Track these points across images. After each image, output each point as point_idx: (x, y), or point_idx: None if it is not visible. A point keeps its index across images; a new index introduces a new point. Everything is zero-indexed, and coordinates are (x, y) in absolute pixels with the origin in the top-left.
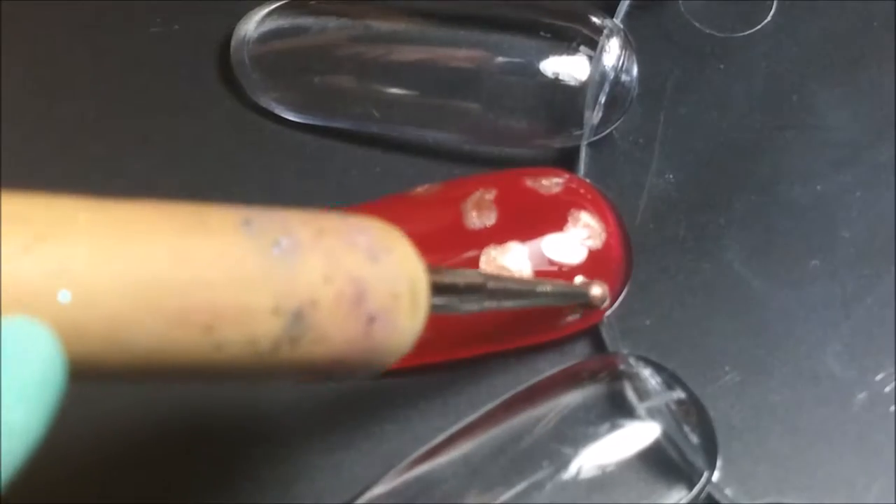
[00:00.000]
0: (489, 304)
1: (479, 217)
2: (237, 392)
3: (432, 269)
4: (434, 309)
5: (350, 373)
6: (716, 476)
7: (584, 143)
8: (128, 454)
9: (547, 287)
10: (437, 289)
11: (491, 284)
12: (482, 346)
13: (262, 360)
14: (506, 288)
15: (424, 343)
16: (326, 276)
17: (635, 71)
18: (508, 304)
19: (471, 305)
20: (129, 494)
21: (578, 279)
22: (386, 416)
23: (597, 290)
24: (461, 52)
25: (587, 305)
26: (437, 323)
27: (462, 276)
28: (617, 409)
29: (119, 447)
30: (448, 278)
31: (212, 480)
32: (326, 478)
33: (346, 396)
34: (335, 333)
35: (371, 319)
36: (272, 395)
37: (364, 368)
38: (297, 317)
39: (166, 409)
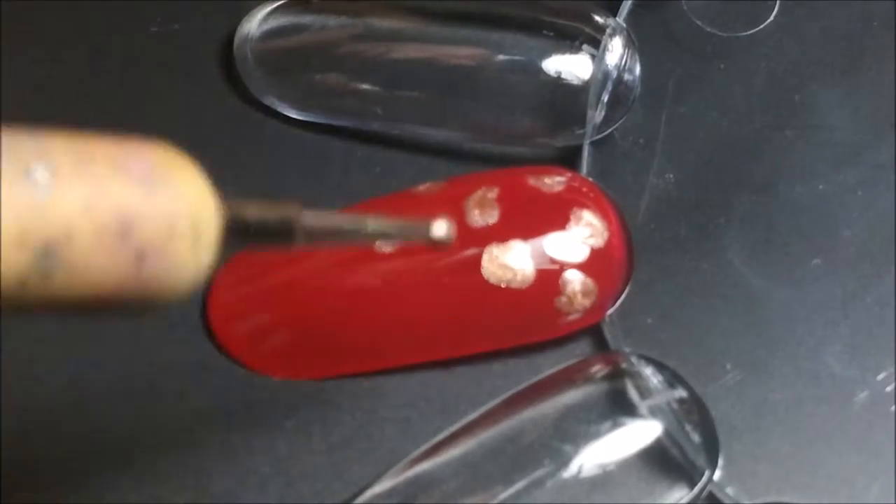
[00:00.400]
0: (309, 239)
1: (482, 215)
2: (236, 392)
3: (233, 202)
4: (234, 246)
5: (123, 310)
6: (717, 475)
7: (586, 142)
8: (124, 452)
9: (379, 224)
10: (237, 225)
11: (308, 220)
12: (483, 344)
13: (9, 296)
14: (328, 225)
15: (425, 341)
16: (87, 207)
17: (638, 70)
18: (335, 239)
19: (284, 242)
20: (130, 494)
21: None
22: (386, 416)
23: (441, 228)
24: (463, 50)
25: (431, 244)
26: (438, 322)
27: (270, 211)
28: (618, 408)
29: (113, 445)
30: (252, 213)
31: (211, 480)
32: (326, 478)
33: (345, 396)
34: (95, 270)
35: (141, 256)
36: (271, 395)
37: (138, 307)
38: (47, 251)
39: (165, 408)
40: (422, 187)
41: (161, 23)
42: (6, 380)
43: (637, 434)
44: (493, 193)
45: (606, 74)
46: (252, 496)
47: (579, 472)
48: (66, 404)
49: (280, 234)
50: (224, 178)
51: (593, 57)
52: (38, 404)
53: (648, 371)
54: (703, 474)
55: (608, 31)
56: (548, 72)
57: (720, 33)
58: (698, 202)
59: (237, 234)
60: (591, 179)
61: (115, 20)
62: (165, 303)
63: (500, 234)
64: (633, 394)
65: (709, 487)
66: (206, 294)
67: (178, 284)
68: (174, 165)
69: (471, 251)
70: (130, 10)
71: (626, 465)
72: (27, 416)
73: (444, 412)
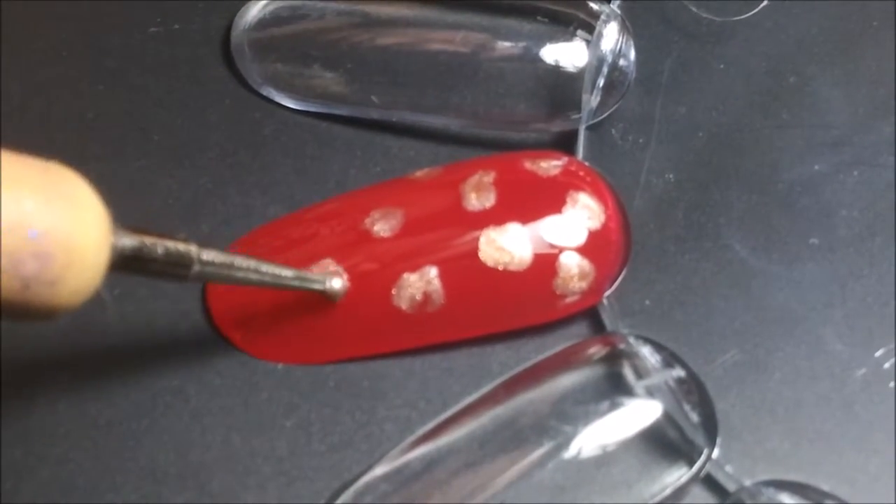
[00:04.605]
0: (201, 273)
1: (479, 199)
2: (237, 391)
3: (130, 232)
4: (122, 271)
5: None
6: (716, 454)
7: (582, 127)
8: (124, 452)
9: (274, 269)
10: (132, 254)
11: (205, 256)
12: (481, 327)
13: None
14: (223, 262)
15: (423, 325)
16: None
17: (633, 55)
18: (226, 277)
19: (179, 275)
20: (130, 494)
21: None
22: (386, 415)
23: (336, 282)
24: (459, 37)
25: (324, 295)
26: (436, 305)
27: (169, 244)
28: (617, 388)
29: (113, 445)
30: (149, 245)
31: (211, 480)
32: (326, 478)
33: (345, 396)
34: None
35: (24, 283)
36: (271, 395)
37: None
38: None
39: (165, 407)
40: (419, 173)
41: (161, 23)
42: (6, 380)
43: (636, 414)
44: (489, 177)
45: (601, 60)
46: (252, 496)
47: (579, 452)
48: (66, 404)
49: (177, 267)
50: (224, 178)
51: (588, 43)
52: (38, 404)
53: (646, 351)
54: (701, 453)
55: (602, 17)
56: (543, 58)
57: (715, 18)
58: (696, 183)
59: (132, 264)
60: (587, 163)
61: (115, 20)
62: (52, 318)
63: (496, 217)
64: (631, 374)
65: (707, 466)
66: (205, 286)
67: (59, 306)
68: (59, 192)
69: (468, 235)
70: (130, 10)
71: (625, 445)
72: (27, 416)
73: (444, 411)
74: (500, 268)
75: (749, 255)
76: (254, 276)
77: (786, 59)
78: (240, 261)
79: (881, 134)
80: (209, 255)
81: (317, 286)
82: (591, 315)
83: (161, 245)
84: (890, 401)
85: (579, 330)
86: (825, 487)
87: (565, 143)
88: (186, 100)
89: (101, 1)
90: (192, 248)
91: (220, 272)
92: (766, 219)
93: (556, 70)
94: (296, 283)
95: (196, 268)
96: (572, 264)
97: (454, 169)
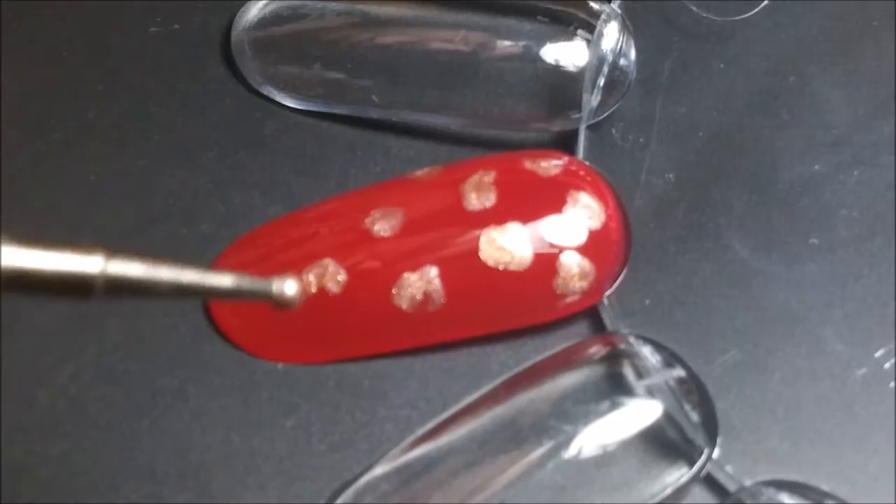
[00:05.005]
0: (114, 293)
1: (479, 198)
2: (237, 391)
3: (17, 248)
4: (22, 296)
5: None
6: (716, 454)
7: (582, 127)
8: (124, 452)
9: (206, 276)
10: (20, 276)
11: (112, 269)
12: (481, 327)
13: None
14: (140, 277)
15: (423, 324)
16: None
17: (633, 55)
18: (151, 293)
19: (81, 296)
20: (130, 494)
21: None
22: (386, 415)
23: (289, 287)
24: (459, 36)
25: (276, 304)
26: (436, 305)
27: (65, 259)
28: (617, 388)
29: (113, 445)
30: (39, 262)
31: (211, 480)
32: (326, 478)
33: (345, 396)
34: None
35: None
36: (271, 395)
37: None
38: None
39: (165, 407)
40: (419, 172)
41: (161, 23)
42: (6, 380)
43: (636, 414)
44: (489, 177)
45: (602, 59)
46: (252, 496)
47: (579, 452)
48: (66, 404)
49: (76, 287)
50: (225, 177)
51: (588, 42)
52: (38, 404)
53: (647, 351)
54: (702, 453)
55: (603, 16)
56: (543, 57)
57: (715, 18)
58: (695, 186)
59: (22, 285)
60: (587, 163)
61: (115, 20)
62: None
63: (497, 217)
64: (631, 374)
65: (707, 466)
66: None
67: None
68: None
69: (468, 234)
70: (130, 10)
71: (625, 445)
72: (27, 416)
73: (444, 412)
74: (501, 267)
75: (749, 255)
76: (181, 290)
77: (786, 59)
78: (163, 273)
79: (881, 134)
80: (117, 266)
81: (264, 293)
82: (591, 315)
83: (52, 258)
84: (890, 401)
85: (579, 330)
86: (825, 487)
87: (565, 143)
88: (186, 100)
89: (101, 1)
90: (98, 259)
91: (138, 287)
92: (766, 219)
93: (557, 70)
94: (236, 291)
95: (101, 283)
96: (573, 264)
97: (454, 168)
